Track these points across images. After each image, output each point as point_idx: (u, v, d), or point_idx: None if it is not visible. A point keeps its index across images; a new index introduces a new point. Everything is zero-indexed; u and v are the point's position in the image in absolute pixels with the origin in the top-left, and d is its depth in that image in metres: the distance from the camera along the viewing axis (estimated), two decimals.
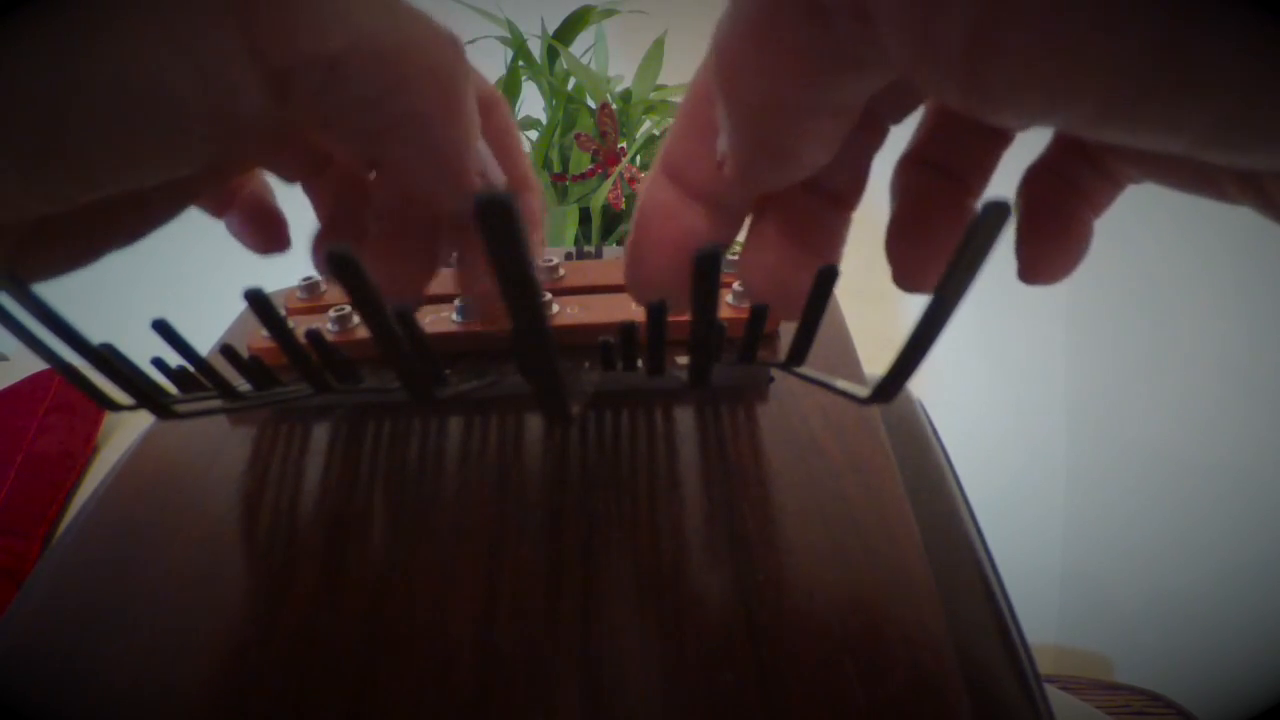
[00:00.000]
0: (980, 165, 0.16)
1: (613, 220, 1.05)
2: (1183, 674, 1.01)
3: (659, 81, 1.03)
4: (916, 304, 0.13)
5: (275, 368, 0.21)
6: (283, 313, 0.28)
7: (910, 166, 0.17)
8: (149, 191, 0.18)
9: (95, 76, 0.12)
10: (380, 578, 0.18)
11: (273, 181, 0.23)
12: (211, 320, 0.31)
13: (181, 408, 0.19)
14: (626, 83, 1.07)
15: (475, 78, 0.18)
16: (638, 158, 0.97)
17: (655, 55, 1.02)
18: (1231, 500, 0.99)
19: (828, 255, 0.17)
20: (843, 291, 0.22)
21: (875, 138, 0.16)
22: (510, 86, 0.98)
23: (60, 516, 0.82)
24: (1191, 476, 1.03)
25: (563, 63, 0.98)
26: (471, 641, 0.17)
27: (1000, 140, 0.16)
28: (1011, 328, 1.18)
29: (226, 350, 0.20)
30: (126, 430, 0.90)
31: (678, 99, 1.02)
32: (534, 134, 1.06)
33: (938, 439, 0.29)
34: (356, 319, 0.27)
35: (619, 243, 0.99)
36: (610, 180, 0.96)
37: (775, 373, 0.25)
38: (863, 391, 0.17)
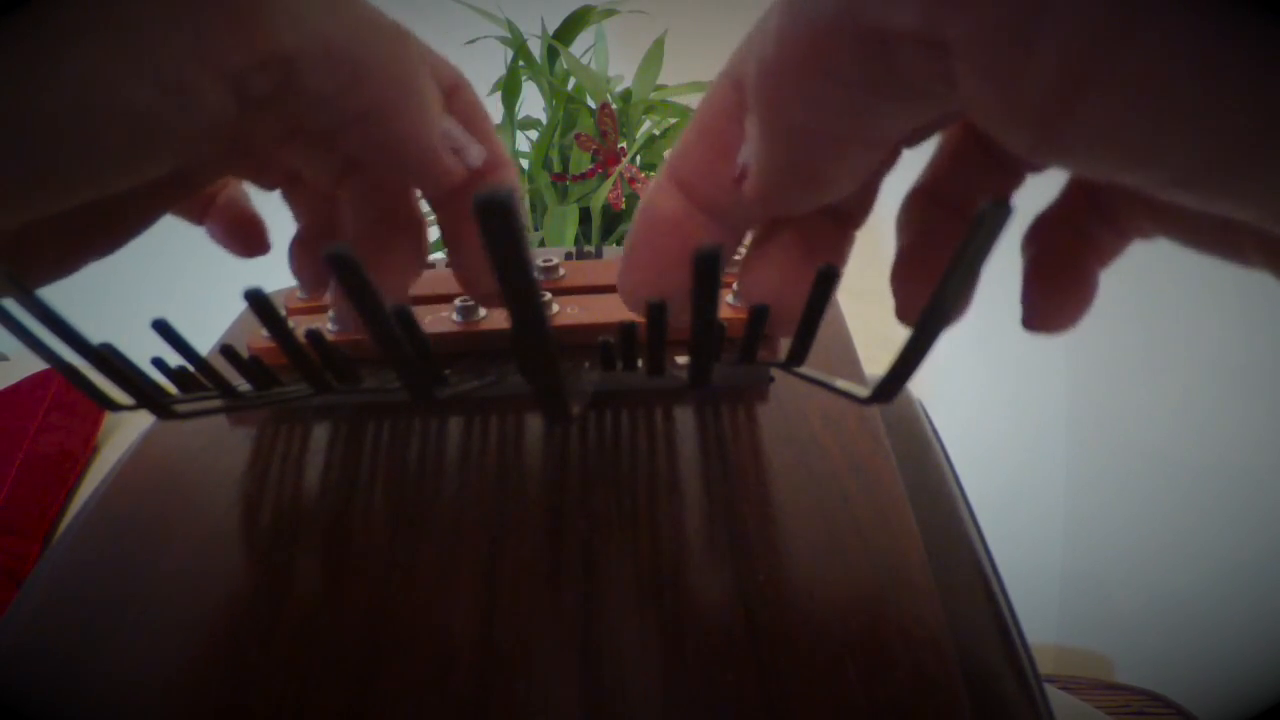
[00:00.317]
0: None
1: (613, 220, 1.05)
2: (1183, 674, 1.01)
3: (659, 81, 1.03)
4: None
5: (275, 368, 0.21)
6: (283, 313, 0.28)
7: (920, 200, 0.16)
8: (123, 202, 0.19)
9: (59, 89, 0.13)
10: (380, 577, 0.18)
11: (253, 190, 0.23)
12: (211, 320, 0.31)
13: (181, 408, 0.19)
14: (626, 83, 1.07)
15: (435, 61, 0.19)
16: (638, 158, 0.97)
17: (655, 55, 1.02)
18: (1231, 500, 0.99)
19: (841, 253, 0.17)
20: (843, 291, 0.22)
21: (888, 160, 0.16)
22: (510, 86, 0.98)
23: (60, 516, 0.82)
24: (1191, 476, 1.03)
25: (563, 63, 0.98)
26: (471, 641, 0.17)
27: (1015, 179, 0.16)
28: (1011, 328, 1.18)
29: (226, 350, 0.20)
30: (126, 430, 0.90)
31: (678, 99, 1.02)
32: (534, 134, 1.06)
33: (938, 439, 0.29)
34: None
35: (619, 243, 0.99)
36: (610, 180, 0.96)
37: (775, 373, 0.25)
38: (863, 391, 0.17)
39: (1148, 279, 1.06)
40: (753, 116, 0.13)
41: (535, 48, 1.01)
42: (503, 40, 1.01)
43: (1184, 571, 1.05)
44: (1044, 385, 1.21)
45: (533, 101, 1.05)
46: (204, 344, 0.23)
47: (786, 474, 0.21)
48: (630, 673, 0.16)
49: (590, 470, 0.21)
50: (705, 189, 0.15)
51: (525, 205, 0.98)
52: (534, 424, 0.23)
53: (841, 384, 0.18)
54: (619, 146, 0.97)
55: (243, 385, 0.21)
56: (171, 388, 0.19)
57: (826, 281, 0.17)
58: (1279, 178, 0.09)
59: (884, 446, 0.22)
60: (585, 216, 1.00)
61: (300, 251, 0.22)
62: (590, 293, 0.28)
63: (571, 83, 1.00)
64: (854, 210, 0.16)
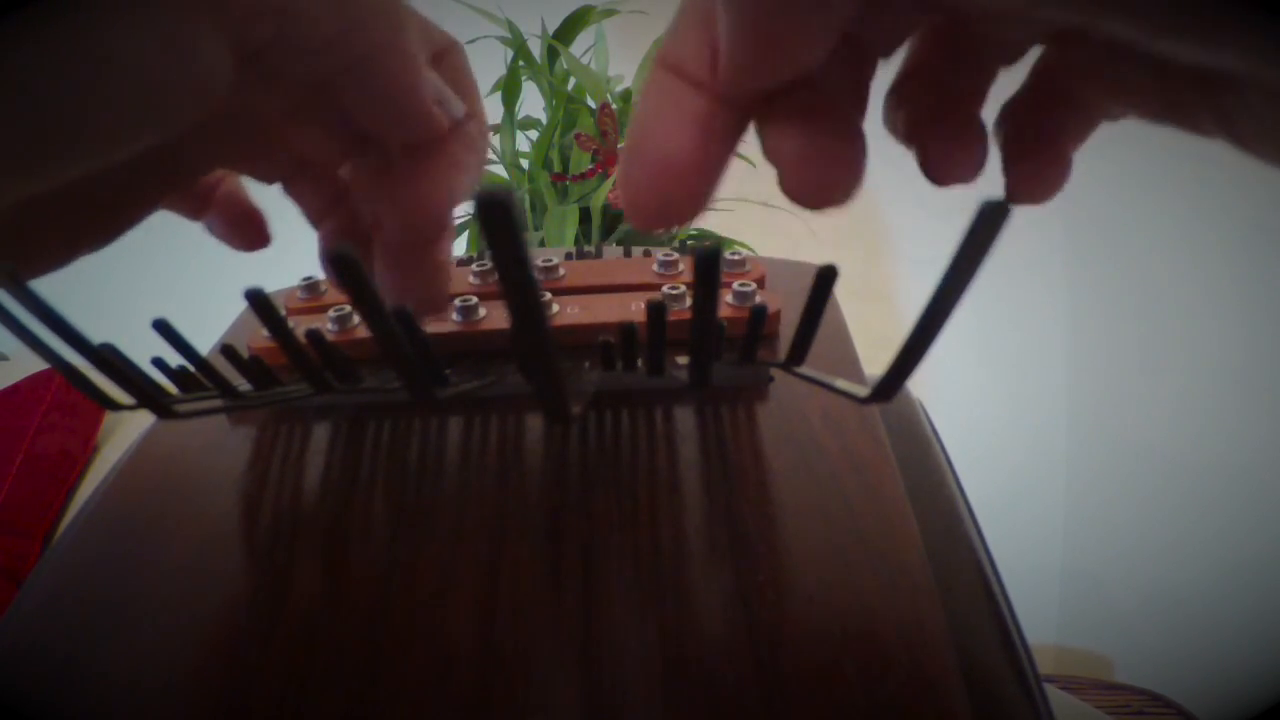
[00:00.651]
0: (967, 97, 0.17)
1: (613, 220, 1.05)
2: (1183, 674, 1.01)
3: None
4: (916, 304, 0.13)
5: (275, 368, 0.21)
6: (283, 313, 0.28)
7: (905, 84, 0.17)
8: (117, 189, 0.18)
9: (54, 44, 0.13)
10: (380, 577, 0.18)
11: (253, 185, 0.23)
12: (212, 320, 0.31)
13: (182, 408, 0.19)
14: (626, 83, 1.07)
15: (427, 23, 0.20)
16: None
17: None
18: (1231, 500, 0.99)
19: (848, 143, 0.16)
20: (843, 291, 0.22)
21: (866, 68, 0.16)
22: (510, 86, 0.98)
23: (60, 516, 0.82)
24: (1191, 476, 1.03)
25: (563, 63, 0.98)
26: (472, 641, 0.17)
27: (987, 75, 0.17)
28: (1011, 328, 1.18)
29: (227, 350, 0.20)
30: (126, 430, 0.90)
31: None
32: (534, 134, 1.06)
33: (938, 439, 0.29)
34: (356, 319, 0.27)
35: (619, 243, 0.99)
36: (610, 180, 0.96)
37: (775, 373, 0.25)
38: (863, 391, 0.17)
39: (1148, 279, 1.06)
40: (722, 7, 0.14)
41: (535, 48, 1.01)
42: (503, 40, 1.01)
43: (1184, 571, 1.05)
44: (1044, 385, 1.21)
45: (533, 101, 1.05)
46: (204, 344, 0.23)
47: (786, 474, 0.21)
48: (630, 673, 0.16)
49: (590, 470, 0.21)
50: (696, 69, 0.15)
51: (525, 206, 0.98)
52: (534, 424, 0.23)
53: (841, 384, 0.18)
54: (619, 146, 0.97)
55: (243, 385, 0.21)
56: (172, 388, 0.19)
57: (826, 281, 0.17)
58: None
59: (884, 446, 0.22)
60: (585, 216, 1.00)
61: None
62: (590, 293, 0.28)
63: (571, 83, 1.00)
64: (848, 95, 0.16)
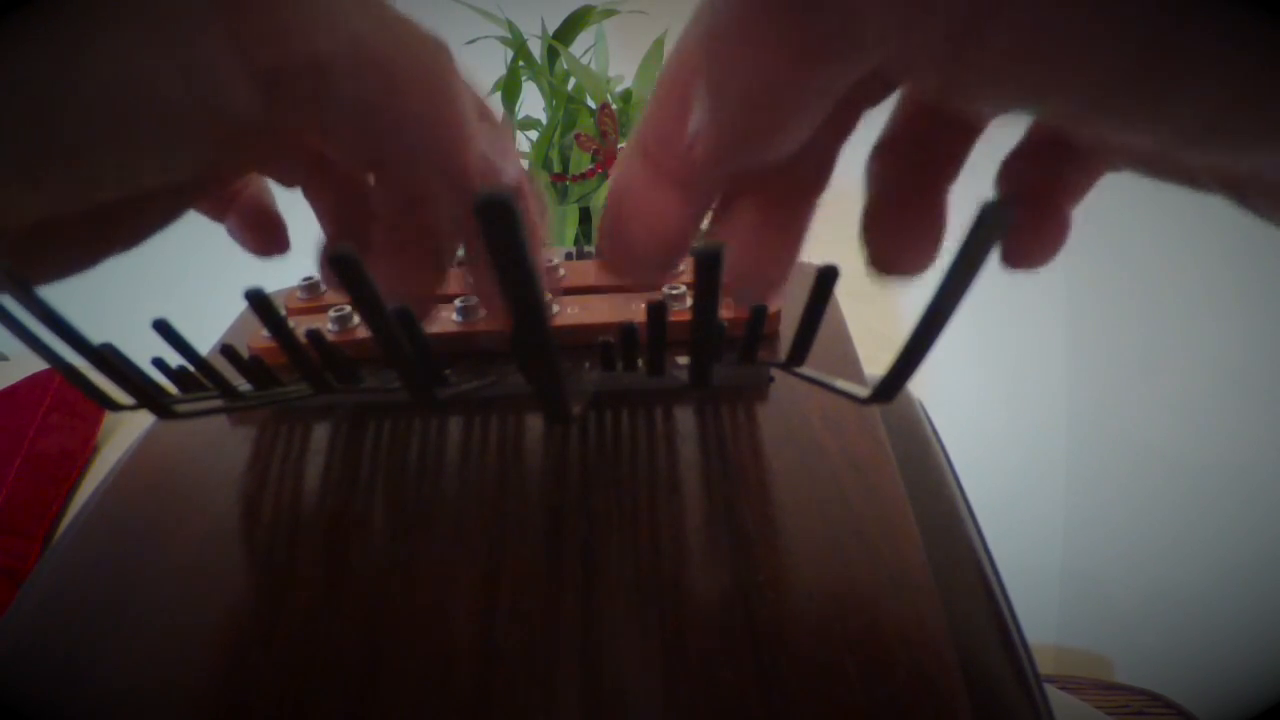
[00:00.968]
0: (952, 155, 0.17)
1: None
2: (1183, 674, 1.01)
3: None
4: (916, 304, 0.13)
5: (275, 368, 0.21)
6: (283, 313, 0.28)
7: (883, 155, 0.17)
8: (147, 196, 0.18)
9: (87, 80, 0.13)
10: (380, 577, 0.18)
11: (274, 187, 0.23)
12: (212, 320, 0.31)
13: (182, 408, 0.19)
14: (626, 83, 1.07)
15: (470, 88, 0.19)
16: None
17: (655, 55, 1.02)
18: (1231, 500, 0.99)
19: (793, 238, 0.17)
20: (843, 291, 0.22)
21: (846, 125, 0.16)
22: (510, 86, 0.98)
23: (60, 516, 0.82)
24: (1191, 476, 1.03)
25: (563, 63, 0.98)
26: (471, 641, 0.17)
27: (972, 131, 0.17)
28: (1011, 328, 1.18)
29: (227, 350, 0.20)
30: (126, 430, 0.90)
31: None
32: (534, 134, 1.06)
33: (938, 439, 0.29)
34: (356, 319, 0.27)
35: None
36: (610, 180, 0.96)
37: (775, 373, 0.25)
38: (863, 391, 0.17)
39: (1148, 279, 1.06)
40: (702, 78, 0.14)
41: (535, 48, 1.01)
42: (503, 40, 1.01)
43: (1184, 571, 1.05)
44: (1044, 385, 1.21)
45: (533, 101, 1.05)
46: (204, 344, 0.23)
47: (786, 474, 0.21)
48: (630, 673, 0.16)
49: (590, 470, 0.21)
50: (667, 158, 0.15)
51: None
52: (534, 424, 0.23)
53: (841, 384, 0.18)
54: (619, 146, 0.97)
55: (243, 385, 0.21)
56: (172, 388, 0.19)
57: (826, 281, 0.17)
58: (1166, 103, 0.09)
59: (884, 446, 0.22)
60: (585, 217, 1.00)
61: (328, 254, 0.22)
62: (590, 293, 0.28)
63: (571, 83, 1.00)
64: (813, 176, 0.17)
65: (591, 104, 0.98)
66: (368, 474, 0.22)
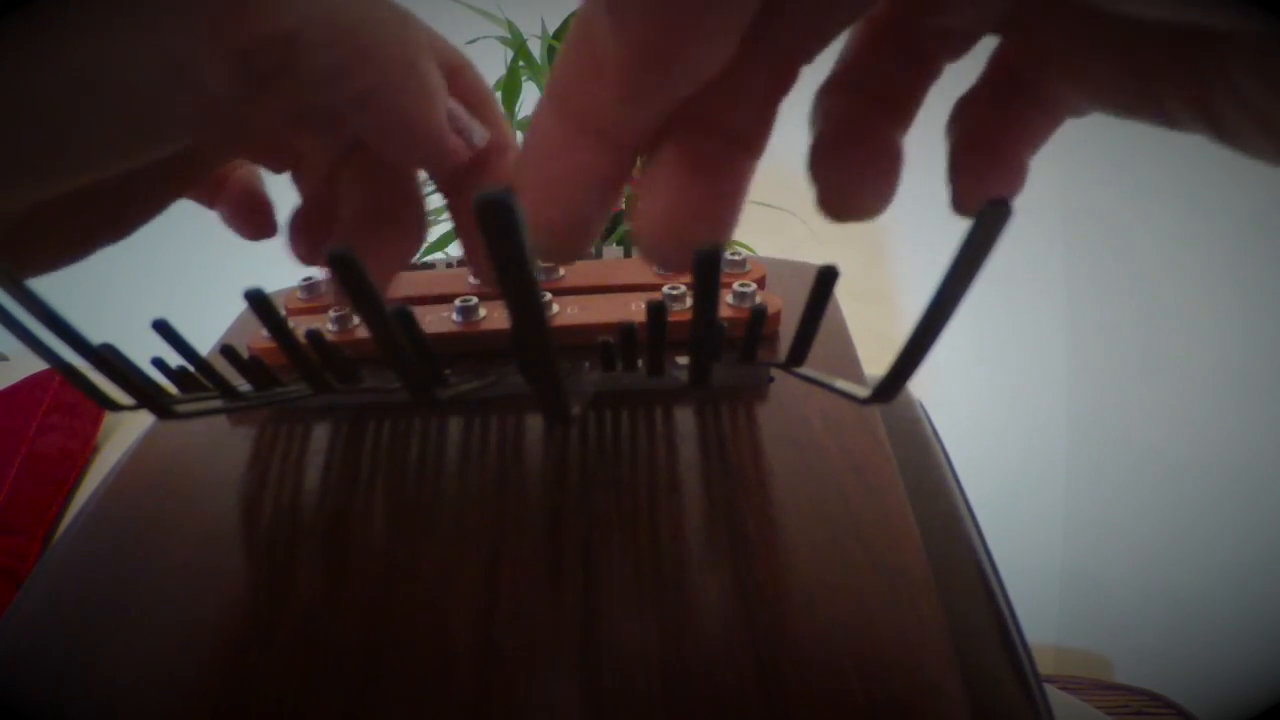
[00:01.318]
0: (907, 94, 0.16)
1: (613, 220, 1.04)
2: (1183, 674, 1.01)
3: None
4: (916, 304, 0.13)
5: (275, 368, 0.21)
6: (283, 313, 0.28)
7: (831, 93, 0.16)
8: (133, 184, 0.19)
9: (69, 68, 0.13)
10: (380, 577, 0.18)
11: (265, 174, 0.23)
12: (212, 320, 0.31)
13: (182, 408, 0.19)
14: None
15: (438, 43, 0.19)
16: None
17: None
18: (1231, 500, 0.99)
19: (728, 203, 0.15)
20: (842, 291, 0.22)
21: (783, 79, 0.15)
22: (510, 86, 0.98)
23: (60, 516, 0.82)
24: (1191, 476, 1.03)
25: None
26: (471, 641, 0.17)
27: (927, 70, 0.16)
28: (1011, 328, 1.18)
29: (227, 350, 0.20)
30: (126, 430, 0.90)
31: None
32: None
33: (938, 439, 0.29)
34: (356, 319, 0.27)
35: (619, 243, 0.99)
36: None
37: (775, 373, 0.25)
38: (863, 391, 0.17)
39: (1148, 279, 1.06)
40: (606, 13, 0.13)
41: (535, 48, 1.01)
42: (503, 40, 1.01)
43: (1184, 571, 1.05)
44: (1044, 385, 1.21)
45: (533, 101, 1.05)
46: (204, 344, 0.23)
47: (786, 474, 0.21)
48: (630, 673, 0.16)
49: (590, 470, 0.21)
50: (582, 104, 0.14)
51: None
52: (534, 424, 0.23)
53: (841, 384, 0.18)
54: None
55: (243, 385, 0.21)
56: (172, 388, 0.19)
57: (826, 281, 0.17)
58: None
59: (884, 447, 0.22)
60: None
61: (297, 228, 0.22)
62: (590, 293, 0.28)
63: None
64: (748, 133, 0.15)
65: None
66: (368, 474, 0.22)
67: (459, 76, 0.20)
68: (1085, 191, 1.10)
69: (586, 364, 0.25)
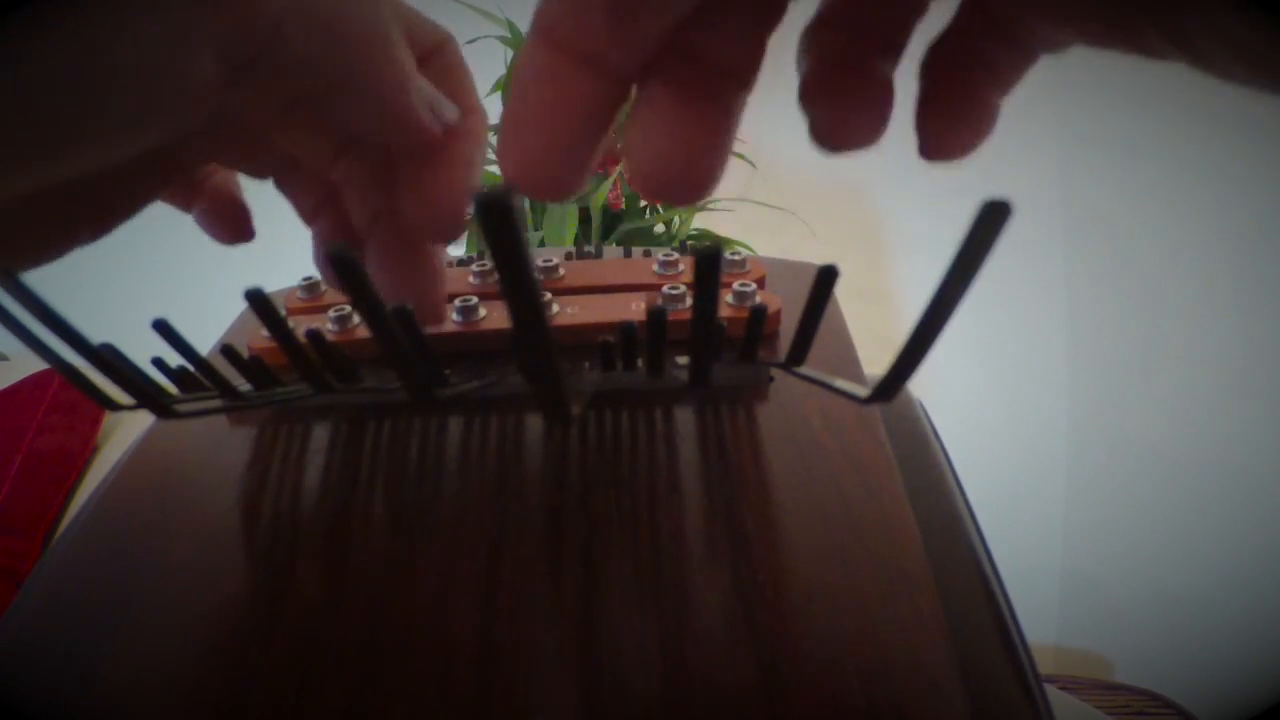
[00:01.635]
0: (894, 29, 0.15)
1: (613, 220, 1.05)
2: (1183, 674, 1.01)
3: None
4: (916, 304, 0.13)
5: (275, 368, 0.21)
6: (283, 313, 0.28)
7: (819, 29, 0.16)
8: (110, 183, 0.19)
9: (42, 54, 0.13)
10: (380, 577, 0.18)
11: (246, 182, 0.23)
12: (212, 320, 0.31)
13: (182, 408, 0.19)
14: None
15: (416, 19, 0.19)
16: None
17: None
18: (1231, 500, 0.99)
19: (721, 135, 0.15)
20: (843, 291, 0.22)
21: (772, 7, 0.15)
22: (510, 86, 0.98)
23: (60, 516, 0.82)
24: (1191, 476, 1.03)
25: None
26: (471, 641, 0.17)
27: (917, 10, 0.15)
28: (1011, 328, 1.18)
29: (227, 350, 0.20)
30: (126, 430, 0.90)
31: None
32: None
33: (938, 439, 0.29)
34: (356, 319, 0.27)
35: (619, 243, 0.99)
36: (610, 180, 0.96)
37: (775, 373, 0.25)
38: (863, 391, 0.17)
39: (1148, 279, 1.06)
40: None
41: None
42: (503, 40, 1.01)
43: (1184, 571, 1.05)
44: (1044, 385, 1.21)
45: None
46: (204, 344, 0.23)
47: (786, 474, 0.21)
48: (630, 672, 0.16)
49: (590, 470, 0.21)
50: (571, 36, 0.14)
51: (525, 206, 0.98)
52: (534, 424, 0.23)
53: (841, 384, 0.18)
54: (618, 146, 0.96)
55: (243, 385, 0.21)
56: (172, 388, 0.19)
57: (826, 281, 0.17)
58: None
59: (884, 446, 0.22)
60: (585, 216, 1.00)
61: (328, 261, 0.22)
62: (590, 293, 0.28)
63: None
64: (739, 65, 0.15)
65: None
66: (368, 474, 0.22)
67: (440, 51, 0.20)
68: (1085, 191, 1.10)
69: (586, 364, 0.25)
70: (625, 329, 0.19)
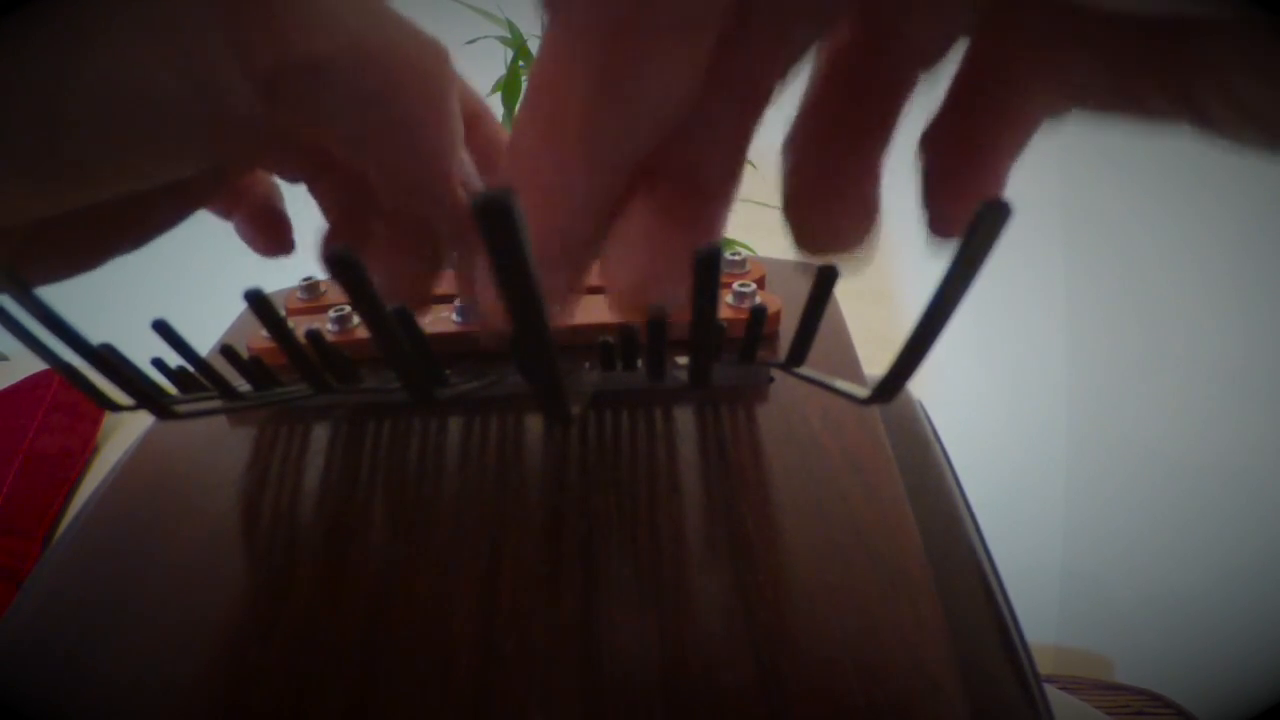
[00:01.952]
0: (883, 113, 0.14)
1: None
2: (1183, 674, 1.01)
3: None
4: (916, 304, 0.13)
5: (275, 368, 0.21)
6: (283, 313, 0.28)
7: (803, 123, 0.15)
8: (153, 195, 0.18)
9: (88, 80, 0.13)
10: (380, 577, 0.18)
11: (280, 184, 0.23)
12: (212, 320, 0.31)
13: (181, 408, 0.19)
14: None
15: (462, 87, 0.18)
16: None
17: None
18: (1231, 500, 0.99)
19: (711, 219, 0.14)
20: (843, 291, 0.22)
21: (749, 116, 0.14)
22: (510, 86, 0.98)
23: (60, 516, 0.82)
24: (1191, 476, 1.03)
25: None
26: (471, 641, 0.17)
27: (901, 83, 0.14)
28: (1011, 328, 1.18)
29: (226, 350, 0.20)
30: (126, 430, 0.90)
31: None
32: None
33: (938, 439, 0.29)
34: (356, 319, 0.27)
35: None
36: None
37: (775, 373, 0.25)
38: (862, 392, 0.17)
39: (1148, 279, 1.06)
40: (555, 35, 0.12)
41: (535, 48, 1.01)
42: (503, 40, 1.01)
43: (1184, 571, 1.05)
44: (1044, 385, 1.21)
45: None
46: (204, 344, 0.23)
47: (786, 474, 0.21)
48: (630, 673, 0.16)
49: (590, 470, 0.21)
50: (541, 169, 0.13)
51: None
52: (534, 424, 0.23)
53: (841, 384, 0.18)
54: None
55: (243, 386, 0.21)
56: (171, 388, 0.19)
57: (826, 281, 0.17)
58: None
59: (884, 447, 0.22)
60: None
61: (327, 246, 0.21)
62: (590, 293, 0.28)
63: None
64: (718, 184, 0.14)
65: None
66: (368, 474, 0.22)
67: (477, 124, 0.20)
68: (1085, 191, 1.10)
69: (586, 364, 0.25)
70: (625, 330, 0.19)
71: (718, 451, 0.22)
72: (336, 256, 0.12)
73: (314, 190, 0.22)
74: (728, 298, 0.27)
